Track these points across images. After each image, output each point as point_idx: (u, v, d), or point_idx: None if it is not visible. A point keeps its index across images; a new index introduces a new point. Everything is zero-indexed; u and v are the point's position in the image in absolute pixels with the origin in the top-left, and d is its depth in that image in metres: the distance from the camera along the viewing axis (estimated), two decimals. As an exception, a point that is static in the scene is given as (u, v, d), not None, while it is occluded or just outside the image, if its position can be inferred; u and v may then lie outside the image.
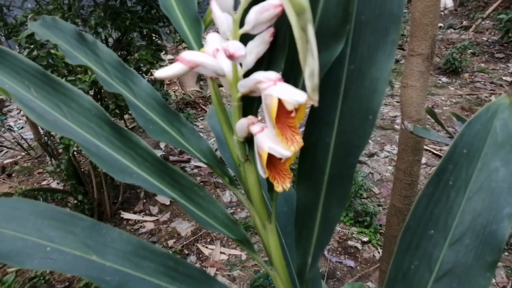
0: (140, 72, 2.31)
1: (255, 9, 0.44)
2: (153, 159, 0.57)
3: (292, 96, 0.41)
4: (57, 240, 0.55)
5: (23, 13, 2.19)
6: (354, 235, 2.59)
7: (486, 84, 4.71)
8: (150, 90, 0.62)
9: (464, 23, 6.97)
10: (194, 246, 2.61)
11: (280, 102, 0.42)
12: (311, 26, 0.40)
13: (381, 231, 2.59)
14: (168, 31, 2.50)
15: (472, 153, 0.56)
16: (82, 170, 2.63)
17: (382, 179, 3.14)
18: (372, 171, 3.25)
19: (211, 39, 0.51)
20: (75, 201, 2.65)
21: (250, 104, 0.51)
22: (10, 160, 3.68)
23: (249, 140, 0.52)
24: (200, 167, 3.42)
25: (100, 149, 0.57)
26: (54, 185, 3.22)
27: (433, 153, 3.36)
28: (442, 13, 7.65)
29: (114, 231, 0.56)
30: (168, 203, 3.01)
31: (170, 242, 2.64)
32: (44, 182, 3.37)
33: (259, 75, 0.45)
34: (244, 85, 0.47)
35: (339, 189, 0.51)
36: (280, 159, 0.47)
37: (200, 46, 0.57)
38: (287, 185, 0.48)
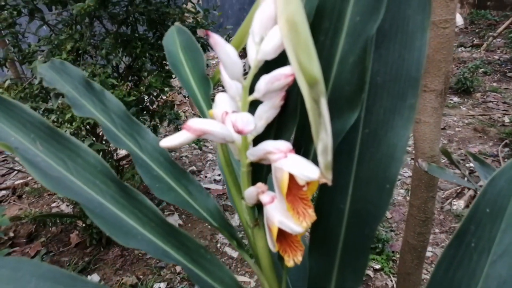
0: (151, 96, 2.32)
1: (265, 79, 0.42)
2: (158, 220, 0.55)
3: (304, 172, 0.39)
4: (60, 304, 0.53)
5: (36, 38, 2.22)
6: (365, 262, 2.53)
7: (499, 104, 4.64)
8: (156, 144, 0.60)
9: (475, 41, 6.93)
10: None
11: (291, 175, 0.40)
12: (324, 99, 0.38)
13: (393, 258, 2.53)
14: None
15: (496, 212, 0.53)
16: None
17: (394, 202, 3.08)
18: (383, 195, 3.19)
19: (220, 101, 0.49)
20: (84, 225, 2.64)
21: (260, 168, 0.49)
22: (21, 181, 3.70)
23: (258, 205, 0.50)
24: (209, 189, 3.39)
25: (104, 208, 0.55)
26: (63, 207, 3.22)
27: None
28: (453, 31, 7.60)
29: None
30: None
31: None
32: (53, 204, 3.37)
33: (269, 145, 0.43)
34: (253, 154, 0.45)
35: (355, 261, 0.48)
36: (292, 231, 0.45)
37: (209, 105, 0.55)
38: (299, 258, 0.45)
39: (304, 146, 0.47)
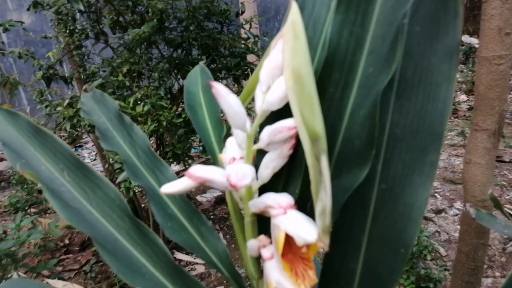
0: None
1: (268, 130, 0.41)
2: (167, 260, 0.54)
3: (301, 233, 0.36)
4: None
5: (100, 60, 2.38)
6: (415, 302, 2.37)
7: None
8: (173, 178, 0.60)
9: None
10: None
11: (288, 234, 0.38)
12: (325, 157, 0.36)
13: (446, 300, 2.34)
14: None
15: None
16: (143, 206, 2.71)
17: (449, 239, 2.87)
18: (439, 230, 2.99)
19: (230, 146, 0.48)
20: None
21: (265, 218, 0.47)
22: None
23: (264, 256, 0.48)
24: None
25: (117, 243, 0.56)
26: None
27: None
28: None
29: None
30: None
31: (218, 289, 2.60)
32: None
33: (270, 198, 0.41)
34: (255, 206, 0.43)
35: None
36: None
37: (221, 147, 0.54)
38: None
39: (310, 202, 0.44)
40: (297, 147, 0.45)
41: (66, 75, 2.40)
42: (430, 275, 2.43)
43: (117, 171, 1.96)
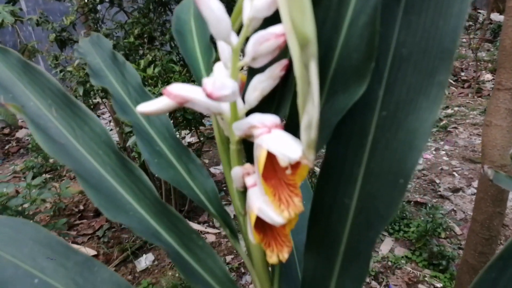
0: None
1: (253, 39, 0.36)
2: (153, 197, 0.51)
3: (284, 150, 0.32)
4: (48, 272, 0.52)
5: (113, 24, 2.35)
6: (426, 278, 2.32)
7: None
8: (165, 119, 0.57)
9: None
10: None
11: (271, 154, 0.33)
12: (315, 63, 0.31)
13: (458, 278, 2.29)
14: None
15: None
16: (154, 176, 2.72)
17: (466, 218, 2.80)
18: (455, 208, 2.92)
19: (218, 70, 0.43)
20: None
21: (251, 149, 0.42)
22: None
23: (251, 190, 0.44)
24: (214, 175, 3.35)
25: (102, 179, 0.53)
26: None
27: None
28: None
29: (106, 272, 0.51)
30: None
31: (228, 258, 2.61)
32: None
33: (255, 118, 0.36)
34: (239, 128, 0.38)
35: (355, 267, 0.40)
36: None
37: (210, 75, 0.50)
38: (284, 255, 0.38)
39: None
40: (290, 68, 0.40)
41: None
42: (443, 253, 2.38)
43: (128, 134, 1.95)
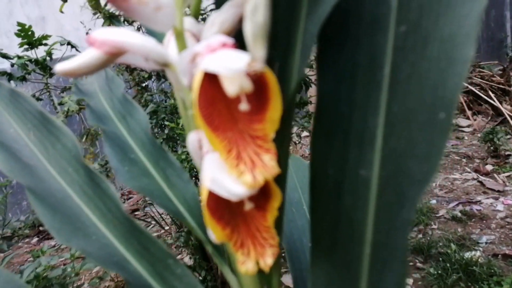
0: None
1: None
2: (119, 213, 0.39)
3: (226, 63, 0.20)
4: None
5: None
6: None
7: None
8: (145, 123, 0.47)
9: None
10: None
11: (219, 84, 0.21)
12: None
13: None
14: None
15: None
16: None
17: None
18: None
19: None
20: (200, 277, 2.56)
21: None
22: (155, 234, 3.92)
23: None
24: None
25: (67, 200, 0.43)
26: (186, 259, 3.24)
27: None
28: None
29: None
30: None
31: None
32: (179, 257, 3.43)
33: (200, 44, 0.24)
34: (184, 69, 0.26)
35: (389, 276, 0.24)
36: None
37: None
38: (267, 260, 0.24)
39: (280, 61, 0.27)
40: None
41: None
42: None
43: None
